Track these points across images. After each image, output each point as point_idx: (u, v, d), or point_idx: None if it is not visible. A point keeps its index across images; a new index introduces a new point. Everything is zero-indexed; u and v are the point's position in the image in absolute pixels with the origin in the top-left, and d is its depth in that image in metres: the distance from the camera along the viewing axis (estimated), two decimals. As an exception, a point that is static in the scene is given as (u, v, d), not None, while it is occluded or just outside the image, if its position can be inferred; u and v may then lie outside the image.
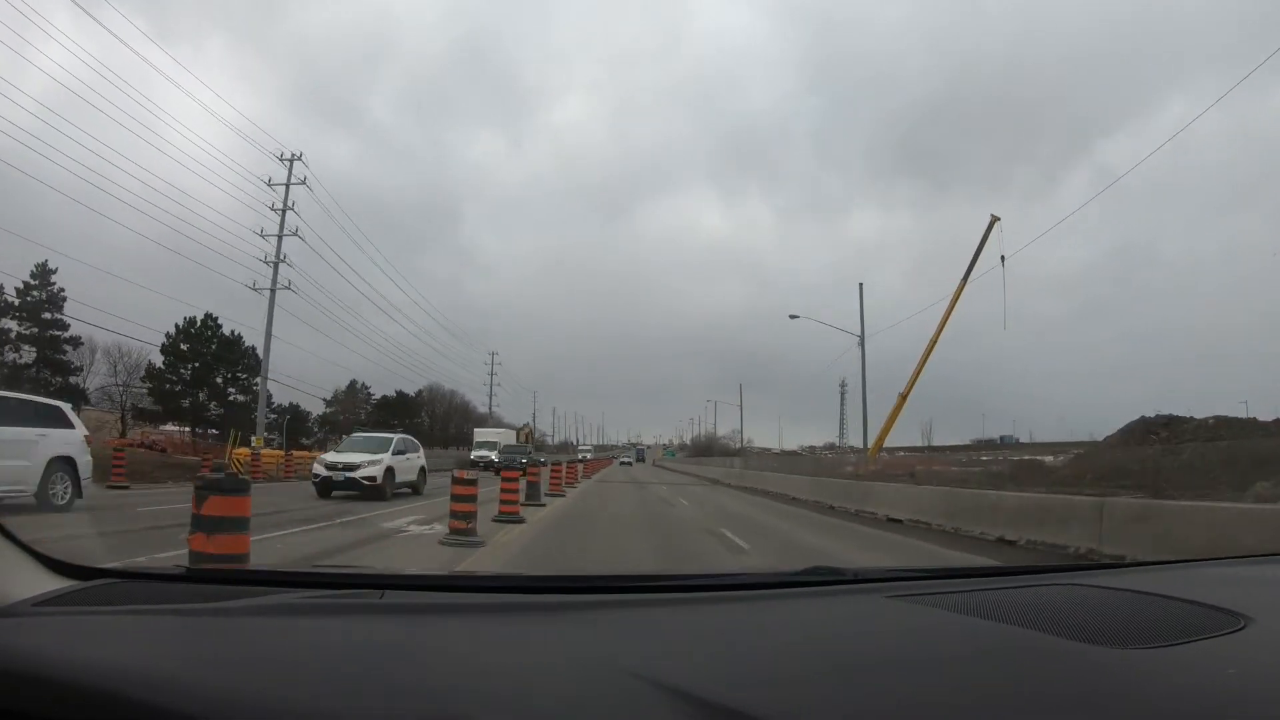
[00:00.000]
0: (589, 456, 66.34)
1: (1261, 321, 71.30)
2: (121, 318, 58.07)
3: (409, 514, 12.06)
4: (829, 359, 77.71)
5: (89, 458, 10.78)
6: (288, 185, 30.68)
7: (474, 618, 1.12)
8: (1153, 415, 25.73)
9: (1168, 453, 21.83)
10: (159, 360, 39.29)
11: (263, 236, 30.61)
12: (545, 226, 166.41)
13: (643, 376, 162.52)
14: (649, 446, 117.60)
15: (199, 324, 39.92)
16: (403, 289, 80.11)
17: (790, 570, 1.55)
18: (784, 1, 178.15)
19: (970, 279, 36.56)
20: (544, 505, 13.97)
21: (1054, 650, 0.99)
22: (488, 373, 69.11)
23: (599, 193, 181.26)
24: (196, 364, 39.79)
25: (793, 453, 76.63)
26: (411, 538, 9.18)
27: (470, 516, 8.06)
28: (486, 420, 65.73)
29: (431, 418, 68.78)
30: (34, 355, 36.54)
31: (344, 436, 24.72)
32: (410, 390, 63.34)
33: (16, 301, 35.92)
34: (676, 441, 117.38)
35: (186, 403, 39.55)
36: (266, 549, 7.12)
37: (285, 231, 30.58)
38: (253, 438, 30.18)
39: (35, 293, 36.41)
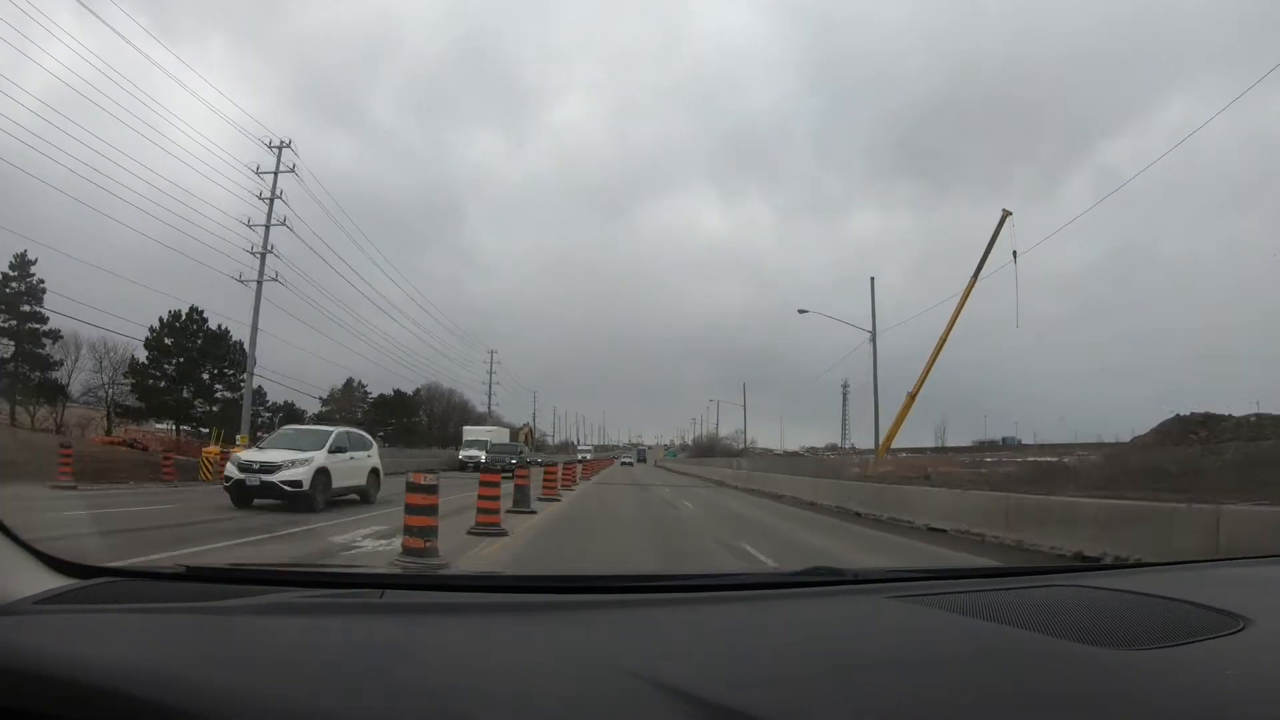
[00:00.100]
0: (589, 457, 64.75)
1: (1262, 322, 70.19)
2: (105, 311, 56.79)
3: (370, 523, 10.34)
4: (830, 359, 76.40)
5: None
6: (275, 173, 29.48)
7: (474, 617, 1.11)
8: (1187, 413, 24.41)
9: (1208, 452, 20.39)
10: (143, 355, 37.94)
11: (250, 226, 29.42)
12: (545, 226, 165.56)
13: (643, 376, 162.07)
14: (650, 447, 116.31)
15: (184, 317, 38.43)
16: (402, 288, 78.54)
17: (791, 570, 1.55)
18: (784, 1, 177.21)
19: (980, 276, 35.39)
20: (534, 513, 12.43)
21: (1054, 651, 0.99)
22: (487, 372, 68.00)
23: (599, 192, 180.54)
24: (181, 359, 38.24)
25: (795, 453, 75.57)
26: (365, 554, 7.68)
27: (429, 532, 6.42)
28: (485, 420, 63.87)
29: (430, 417, 67.31)
30: (12, 349, 35.16)
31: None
32: (408, 389, 61.87)
33: (-7, 293, 34.61)
34: (678, 442, 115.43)
35: (171, 399, 38.05)
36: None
37: (274, 221, 29.39)
38: (238, 436, 28.85)
39: (13, 284, 34.99)
